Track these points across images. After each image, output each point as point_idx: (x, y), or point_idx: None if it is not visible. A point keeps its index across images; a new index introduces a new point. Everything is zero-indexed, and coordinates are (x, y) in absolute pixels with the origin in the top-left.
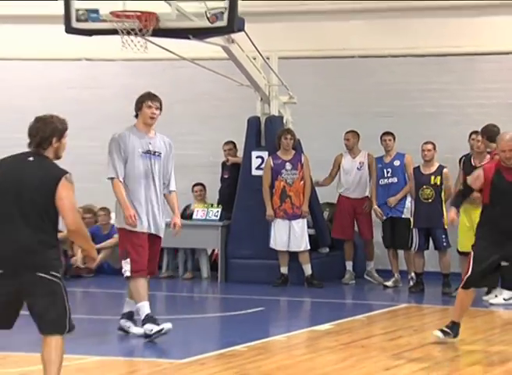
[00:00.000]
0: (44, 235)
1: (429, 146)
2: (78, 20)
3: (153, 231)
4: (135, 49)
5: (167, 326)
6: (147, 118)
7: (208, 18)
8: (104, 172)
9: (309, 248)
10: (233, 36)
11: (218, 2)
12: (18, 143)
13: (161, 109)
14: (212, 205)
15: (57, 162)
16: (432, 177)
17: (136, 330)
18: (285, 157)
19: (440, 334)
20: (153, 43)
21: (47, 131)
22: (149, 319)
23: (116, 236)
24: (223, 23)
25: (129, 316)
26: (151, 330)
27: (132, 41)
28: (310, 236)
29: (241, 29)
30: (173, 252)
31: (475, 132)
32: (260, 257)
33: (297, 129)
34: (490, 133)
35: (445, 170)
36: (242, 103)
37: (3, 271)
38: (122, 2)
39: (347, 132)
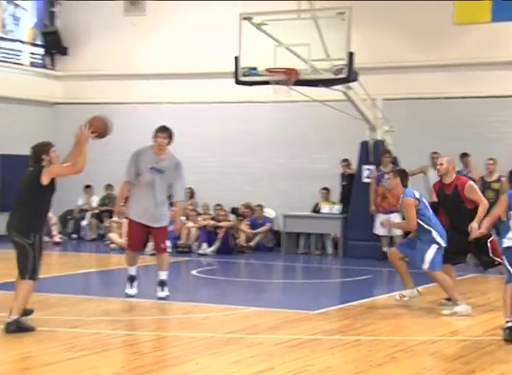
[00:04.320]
0: None
1: (491, 161)
2: (243, 75)
3: (144, 222)
4: (282, 94)
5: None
6: (157, 145)
7: (332, 72)
8: (259, 180)
9: (401, 234)
10: (350, 84)
11: (339, 61)
12: (201, 160)
13: (170, 138)
14: (335, 203)
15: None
16: (494, 184)
17: (160, 293)
18: (385, 169)
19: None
20: (294, 90)
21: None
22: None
23: (268, 224)
24: (343, 75)
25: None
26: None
27: (279, 88)
28: None
29: (356, 79)
30: (307, 236)
31: None
32: (368, 239)
33: (395, 149)
34: None
35: (502, 179)
36: (356, 131)
37: None
38: (273, 61)
39: (434, 152)
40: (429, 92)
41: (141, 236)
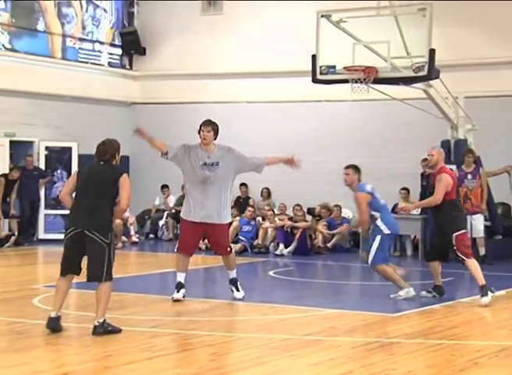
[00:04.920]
0: None
1: None
2: (321, 74)
3: (199, 220)
4: (360, 93)
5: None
6: (202, 139)
7: (413, 70)
8: (336, 180)
9: (484, 235)
10: (431, 82)
11: (420, 58)
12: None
13: (215, 132)
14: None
15: None
16: None
17: (236, 294)
18: (467, 169)
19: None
20: (373, 88)
21: (111, 150)
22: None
23: (346, 224)
24: (424, 73)
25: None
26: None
27: (358, 87)
28: (486, 227)
29: (437, 77)
30: None
31: None
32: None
33: (478, 149)
34: None
35: None
36: (436, 130)
37: None
38: (352, 59)
39: None
40: None
41: (195, 238)
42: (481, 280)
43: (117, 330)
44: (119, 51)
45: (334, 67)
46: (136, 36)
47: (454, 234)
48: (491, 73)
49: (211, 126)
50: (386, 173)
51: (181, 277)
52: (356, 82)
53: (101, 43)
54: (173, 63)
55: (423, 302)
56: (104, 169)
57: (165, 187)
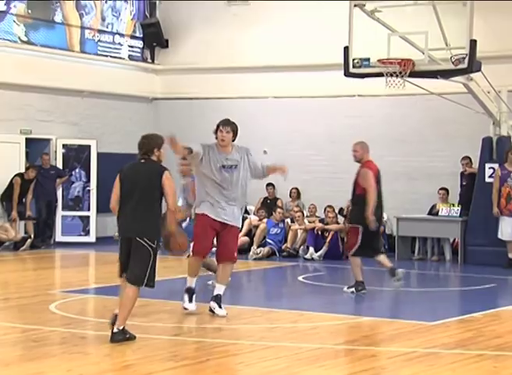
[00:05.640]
0: None
1: None
2: (354, 67)
3: (214, 216)
4: (396, 87)
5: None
6: (219, 140)
7: (452, 62)
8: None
9: None
10: (472, 75)
11: (460, 50)
12: (307, 158)
13: (234, 134)
14: (454, 205)
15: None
16: None
17: (219, 311)
18: (510, 168)
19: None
20: (409, 82)
21: (151, 144)
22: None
23: (381, 227)
24: (464, 65)
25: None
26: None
27: (393, 81)
28: None
29: (478, 69)
30: (423, 240)
31: None
32: (491, 245)
33: None
34: None
35: None
36: (477, 126)
37: None
38: (387, 52)
39: None
40: None
41: (211, 238)
42: (358, 277)
43: (133, 338)
44: (140, 43)
45: (368, 60)
46: (159, 27)
47: (351, 225)
48: None
49: (230, 126)
50: (423, 173)
51: (193, 283)
52: (391, 76)
53: (122, 35)
54: (197, 56)
55: (463, 310)
56: (144, 168)
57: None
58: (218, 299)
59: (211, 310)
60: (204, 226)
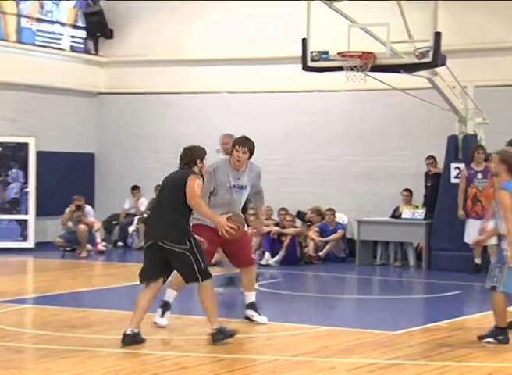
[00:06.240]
0: None
1: None
2: (312, 60)
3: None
4: (356, 82)
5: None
6: (235, 160)
7: (416, 56)
8: (329, 180)
9: (497, 242)
10: (437, 69)
11: (424, 43)
12: (262, 158)
13: (250, 153)
14: (418, 207)
15: None
16: None
17: (259, 318)
18: (477, 168)
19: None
20: (370, 76)
21: (193, 155)
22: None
23: (340, 231)
24: (428, 59)
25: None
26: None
27: (354, 75)
28: None
29: (443, 64)
30: (386, 244)
31: None
32: (457, 249)
33: (489, 145)
34: None
35: None
36: (442, 124)
37: None
38: (347, 44)
39: None
40: None
41: (215, 246)
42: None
43: (231, 334)
44: (82, 33)
45: (327, 53)
46: (102, 17)
47: None
48: (504, 60)
49: (247, 146)
50: (385, 173)
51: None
52: (351, 69)
53: (62, 24)
54: (144, 48)
55: (428, 319)
56: (177, 174)
57: (135, 188)
58: (254, 306)
59: (247, 318)
60: (205, 236)
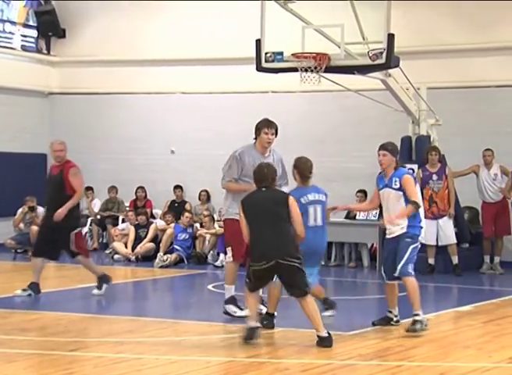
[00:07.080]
0: None
1: None
2: (266, 61)
3: None
4: (311, 83)
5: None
6: (265, 142)
7: (369, 57)
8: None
9: (456, 242)
10: (390, 71)
11: (377, 44)
12: (217, 158)
13: (276, 134)
14: None
15: None
16: None
17: (240, 313)
18: (432, 169)
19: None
20: (325, 78)
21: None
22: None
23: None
24: (382, 60)
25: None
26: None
27: (308, 76)
28: None
29: (397, 65)
30: (340, 245)
31: None
32: None
33: (442, 146)
34: None
35: None
36: (396, 125)
37: None
38: (301, 45)
39: (486, 149)
40: (482, 80)
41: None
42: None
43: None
44: (33, 32)
45: (281, 54)
46: (54, 15)
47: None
48: (457, 62)
49: (275, 127)
50: (340, 174)
51: (233, 290)
52: (306, 71)
53: (13, 23)
54: (97, 48)
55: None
56: (270, 194)
57: (88, 189)
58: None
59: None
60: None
